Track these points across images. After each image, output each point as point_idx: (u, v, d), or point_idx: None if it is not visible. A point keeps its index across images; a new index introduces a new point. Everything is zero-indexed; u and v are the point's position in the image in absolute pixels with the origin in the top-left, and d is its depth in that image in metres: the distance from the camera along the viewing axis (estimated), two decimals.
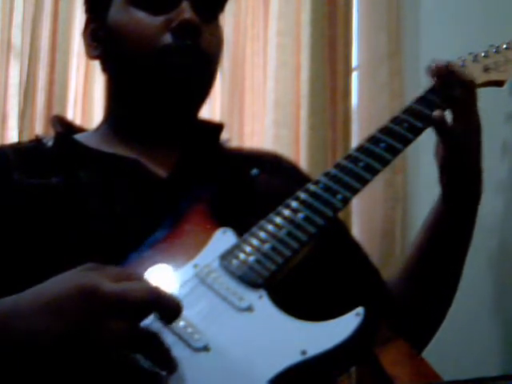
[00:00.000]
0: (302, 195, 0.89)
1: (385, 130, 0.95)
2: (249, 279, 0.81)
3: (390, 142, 0.93)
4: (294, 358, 0.73)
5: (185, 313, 0.74)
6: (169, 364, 0.71)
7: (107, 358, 0.68)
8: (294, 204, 0.89)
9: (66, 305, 0.69)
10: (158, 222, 0.90)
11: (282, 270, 0.83)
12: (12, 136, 2.04)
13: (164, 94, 0.99)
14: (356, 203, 1.71)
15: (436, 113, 0.96)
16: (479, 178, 1.02)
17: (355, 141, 1.75)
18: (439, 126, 0.97)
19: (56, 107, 1.98)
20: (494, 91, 1.07)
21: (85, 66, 2.06)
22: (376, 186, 1.66)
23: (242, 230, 0.87)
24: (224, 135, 1.12)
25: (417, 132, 0.96)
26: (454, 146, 0.99)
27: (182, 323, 0.75)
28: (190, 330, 0.75)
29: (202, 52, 0.99)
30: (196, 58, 0.98)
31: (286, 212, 0.88)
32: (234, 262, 0.83)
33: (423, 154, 1.54)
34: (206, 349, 0.74)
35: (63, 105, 2.01)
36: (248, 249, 0.84)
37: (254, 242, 0.85)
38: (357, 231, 1.68)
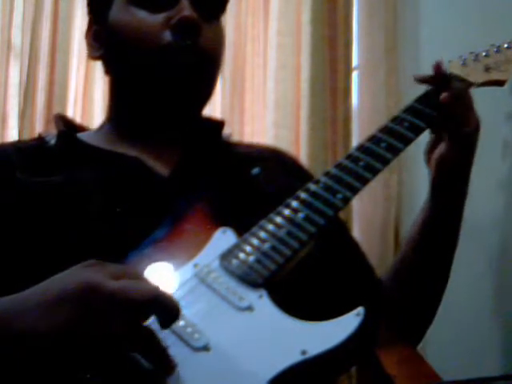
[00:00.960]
0: (303, 195, 0.89)
1: (385, 130, 0.95)
2: (249, 279, 0.81)
3: (390, 141, 0.94)
4: (294, 357, 0.72)
5: (185, 312, 0.74)
6: (167, 364, 0.71)
7: (107, 357, 0.68)
8: (294, 203, 0.88)
9: (66, 302, 0.69)
10: (159, 221, 0.90)
11: (282, 270, 0.83)
12: (12, 136, 2.04)
13: (165, 92, 0.99)
14: (355, 203, 1.71)
15: (443, 95, 0.97)
16: (468, 175, 1.03)
17: (355, 140, 1.76)
18: (439, 124, 0.98)
19: (56, 107, 1.98)
20: (494, 91, 1.07)
21: (85, 66, 2.06)
22: (375, 187, 1.66)
23: (242, 229, 0.87)
24: (225, 131, 1.12)
25: (417, 131, 0.96)
26: (458, 144, 1.00)
27: (181, 323, 0.75)
28: (189, 329, 0.75)
29: (201, 50, 0.99)
30: (195, 57, 0.98)
31: (287, 211, 0.88)
32: (234, 261, 0.83)
33: (419, 153, 1.54)
34: (205, 348, 0.74)
35: (63, 105, 2.00)
36: (248, 248, 0.84)
37: (254, 241, 0.85)
38: (356, 231, 1.68)
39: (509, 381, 0.81)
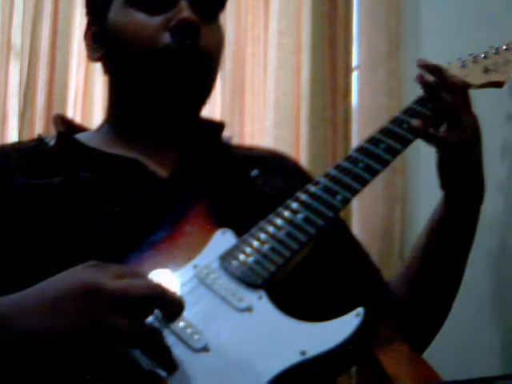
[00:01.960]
0: (302, 196, 0.89)
1: (384, 131, 0.95)
2: (248, 280, 0.81)
3: (389, 142, 0.93)
4: (293, 358, 0.73)
5: (184, 313, 0.74)
6: (169, 363, 0.71)
7: (108, 356, 0.68)
8: (293, 205, 0.89)
9: (67, 302, 0.70)
10: (159, 223, 0.91)
11: (282, 271, 0.83)
12: (12, 136, 2.05)
13: (163, 94, 0.99)
14: (356, 203, 1.71)
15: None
16: (481, 179, 1.02)
17: (355, 141, 1.75)
18: (424, 135, 0.97)
19: (56, 107, 1.98)
20: (493, 92, 1.07)
21: (85, 66, 2.06)
22: (376, 187, 1.66)
23: (241, 230, 0.87)
24: (225, 134, 1.12)
25: (417, 133, 0.96)
26: (449, 151, 0.99)
27: (181, 324, 0.75)
28: (189, 330, 0.75)
29: (201, 51, 0.99)
30: (195, 58, 0.98)
31: (286, 213, 0.88)
32: (234, 262, 0.83)
33: (423, 154, 1.54)
34: (205, 349, 0.74)
35: (63, 105, 2.01)
36: (248, 250, 0.84)
37: (254, 242, 0.85)
38: (357, 231, 1.68)
39: (509, 381, 0.81)
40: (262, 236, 0.85)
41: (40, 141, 1.06)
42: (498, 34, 1.34)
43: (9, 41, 2.10)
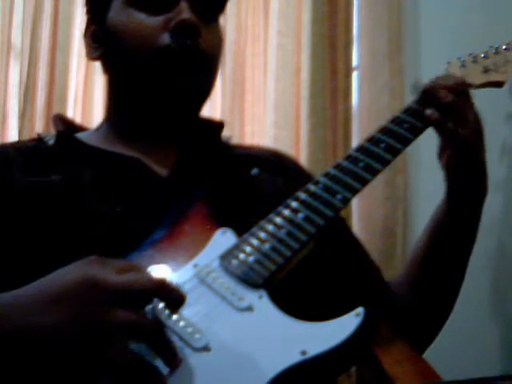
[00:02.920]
0: (302, 195, 0.90)
1: (385, 131, 0.95)
2: (249, 279, 0.81)
3: (389, 142, 0.94)
4: (293, 358, 0.73)
5: (185, 312, 0.75)
6: (173, 358, 0.71)
7: (111, 350, 0.68)
8: (293, 204, 0.89)
9: (69, 297, 0.70)
10: (159, 222, 0.91)
11: (282, 270, 0.83)
12: (12, 135, 2.04)
13: (163, 94, 0.99)
14: (356, 203, 1.71)
15: (429, 112, 0.96)
16: (484, 177, 1.02)
17: (355, 141, 1.75)
18: (438, 125, 0.97)
19: (56, 107, 1.98)
20: (493, 92, 1.07)
21: (85, 66, 2.06)
22: (377, 186, 1.66)
23: (242, 230, 0.87)
24: (225, 133, 1.12)
25: (417, 132, 0.96)
26: (457, 145, 0.99)
27: (182, 323, 0.75)
28: (190, 329, 0.75)
29: (201, 52, 0.99)
30: (195, 59, 0.98)
31: (286, 212, 0.88)
32: (234, 262, 0.83)
33: (424, 153, 1.54)
34: (206, 349, 0.74)
35: (63, 105, 2.01)
36: (248, 249, 0.84)
37: (254, 242, 0.85)
38: (357, 231, 1.68)
39: (509, 381, 0.81)
40: (263, 235, 0.85)
41: (39, 140, 1.06)
42: (497, 34, 1.34)
43: (9, 41, 2.09)
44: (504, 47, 1.06)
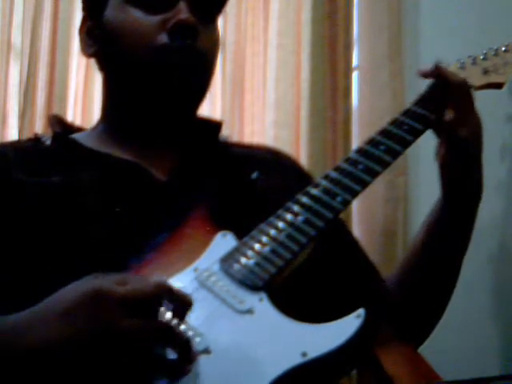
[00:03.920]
0: (302, 198, 0.90)
1: (384, 133, 0.95)
2: (249, 282, 0.81)
3: (389, 144, 0.94)
4: (294, 359, 0.73)
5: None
6: (191, 352, 0.72)
7: (127, 359, 0.69)
8: (294, 207, 0.89)
9: (78, 311, 0.70)
10: (158, 226, 0.91)
11: (283, 273, 0.83)
12: (12, 136, 2.04)
13: (159, 93, 0.99)
14: (357, 204, 1.71)
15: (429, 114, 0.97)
16: (480, 177, 1.02)
17: (355, 141, 1.75)
18: (437, 126, 0.98)
19: (56, 107, 1.97)
20: (493, 93, 1.07)
21: (85, 66, 2.06)
22: (377, 187, 1.66)
23: (242, 233, 0.87)
24: (224, 133, 1.12)
25: (416, 134, 0.96)
26: (455, 144, 0.99)
27: (182, 326, 0.75)
28: (190, 332, 0.75)
29: (198, 52, 0.99)
30: (192, 59, 0.98)
31: (286, 215, 0.88)
32: (235, 265, 0.84)
33: (424, 155, 1.54)
34: (206, 351, 0.74)
35: (63, 105, 2.00)
36: (248, 252, 0.84)
37: (255, 245, 0.85)
38: (358, 232, 1.68)
39: (509, 381, 0.81)
40: (263, 238, 0.85)
41: (36, 140, 1.05)
42: (497, 35, 1.34)
43: (9, 41, 2.09)
44: (503, 49, 1.06)
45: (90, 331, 0.69)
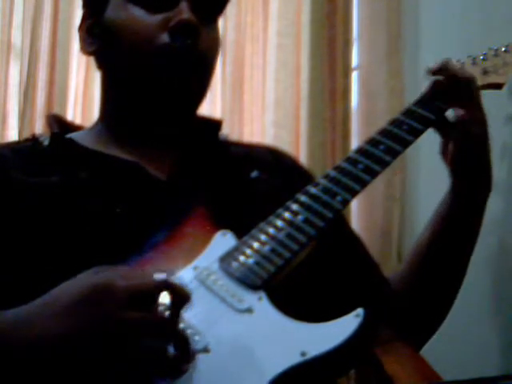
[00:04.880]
0: (302, 197, 0.90)
1: (384, 132, 0.96)
2: (248, 281, 0.81)
3: (389, 143, 0.94)
4: (293, 359, 0.73)
5: (184, 314, 0.75)
6: (189, 348, 0.72)
7: (131, 350, 0.69)
8: (293, 206, 0.89)
9: (81, 305, 0.71)
10: (158, 224, 0.91)
11: (282, 272, 0.83)
12: (12, 136, 2.04)
13: (159, 93, 0.99)
14: (355, 203, 1.71)
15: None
16: (489, 172, 1.02)
17: (355, 141, 1.76)
18: (442, 125, 0.98)
19: (56, 107, 1.97)
20: (493, 93, 1.07)
21: (85, 66, 2.06)
22: (376, 186, 1.66)
23: (241, 232, 0.87)
24: (223, 132, 1.12)
25: (416, 134, 0.96)
26: (467, 142, 0.99)
27: (181, 325, 0.75)
28: (189, 331, 0.75)
29: (199, 53, 0.98)
30: (193, 59, 0.98)
31: (286, 214, 0.88)
32: (234, 264, 0.84)
33: (422, 154, 1.54)
34: (205, 350, 0.74)
35: (63, 105, 2.00)
36: (248, 251, 0.84)
37: (254, 244, 0.85)
38: (356, 230, 1.68)
39: (509, 381, 0.81)
40: (262, 237, 0.86)
41: (34, 140, 1.05)
42: (497, 34, 1.34)
43: (9, 41, 2.09)
44: (503, 49, 1.06)
45: (94, 324, 0.69)
